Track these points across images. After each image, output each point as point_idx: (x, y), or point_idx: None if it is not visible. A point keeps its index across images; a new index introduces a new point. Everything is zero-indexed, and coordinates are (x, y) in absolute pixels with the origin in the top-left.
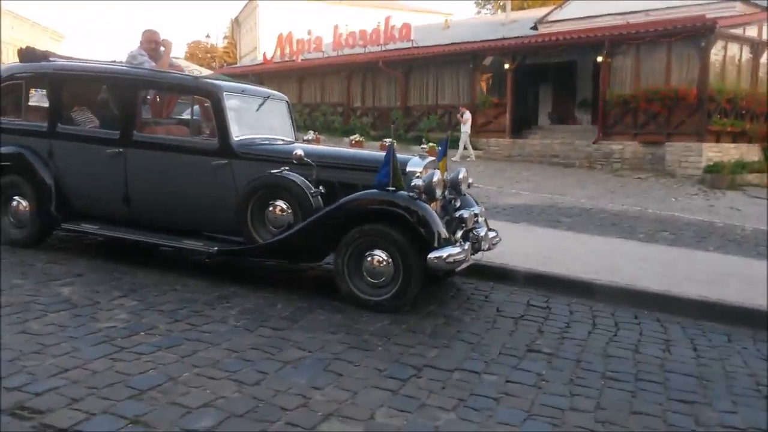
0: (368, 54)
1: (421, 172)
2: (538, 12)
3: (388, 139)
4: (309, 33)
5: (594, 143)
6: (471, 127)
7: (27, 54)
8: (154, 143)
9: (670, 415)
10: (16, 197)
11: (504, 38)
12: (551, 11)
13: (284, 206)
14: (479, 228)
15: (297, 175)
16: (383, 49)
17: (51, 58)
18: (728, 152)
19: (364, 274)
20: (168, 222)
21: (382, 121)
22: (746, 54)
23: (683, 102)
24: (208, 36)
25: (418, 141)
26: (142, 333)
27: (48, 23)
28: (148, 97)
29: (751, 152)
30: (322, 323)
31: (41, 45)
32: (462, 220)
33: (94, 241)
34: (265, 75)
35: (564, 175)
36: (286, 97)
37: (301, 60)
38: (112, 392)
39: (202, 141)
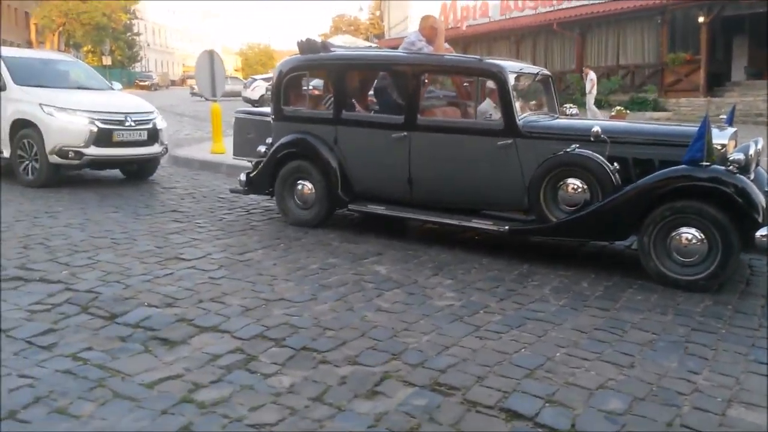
0: (540, 15)
1: (726, 145)
2: None
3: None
4: None
5: None
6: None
7: (307, 46)
8: (439, 126)
9: None
10: (300, 181)
11: None
12: None
13: (579, 184)
14: None
15: (592, 152)
16: (556, 9)
17: (331, 49)
18: None
19: (673, 252)
20: (449, 202)
21: (556, 85)
22: None
23: None
24: (360, 9)
25: (598, 105)
26: (481, 312)
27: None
28: (426, 81)
29: None
30: (643, 303)
31: (199, 26)
32: None
33: (356, 219)
34: None
35: None
36: (549, 73)
37: (467, 27)
38: (505, 370)
39: (487, 122)
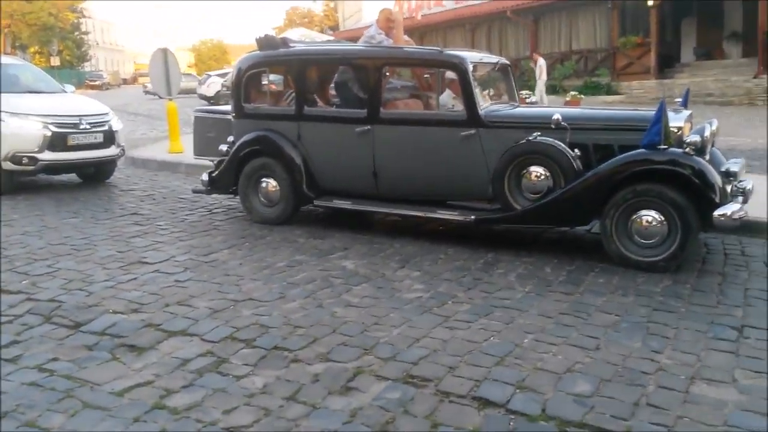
0: (493, 3)
1: (682, 128)
2: None
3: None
4: None
5: (755, 78)
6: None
7: (266, 42)
8: (402, 118)
9: None
10: (264, 179)
11: None
12: None
13: (542, 172)
14: (746, 182)
15: (554, 140)
16: None
17: (290, 44)
18: None
19: (634, 235)
20: (415, 193)
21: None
22: None
23: None
24: (315, 1)
25: (552, 90)
26: (449, 302)
27: None
28: (387, 74)
29: None
30: (605, 286)
31: (150, 22)
32: (730, 174)
33: (321, 214)
34: None
35: (725, 114)
36: (509, 62)
37: (422, 16)
38: (476, 359)
39: (450, 113)
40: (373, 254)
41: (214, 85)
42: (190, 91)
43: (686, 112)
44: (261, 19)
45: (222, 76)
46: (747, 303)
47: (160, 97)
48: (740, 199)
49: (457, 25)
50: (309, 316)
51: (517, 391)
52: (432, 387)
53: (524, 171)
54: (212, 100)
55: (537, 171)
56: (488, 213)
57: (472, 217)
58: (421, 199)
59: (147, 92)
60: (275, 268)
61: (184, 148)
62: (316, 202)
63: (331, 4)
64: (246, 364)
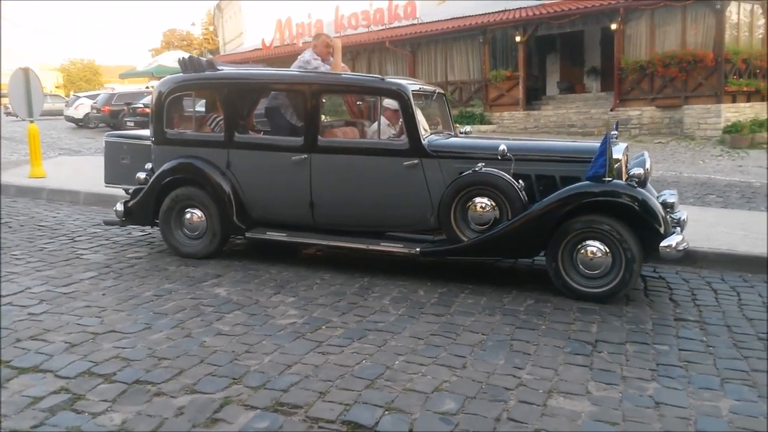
0: (373, 33)
1: (620, 160)
2: None
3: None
4: (309, 16)
5: (611, 110)
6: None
7: (191, 64)
8: (342, 147)
9: None
10: (188, 209)
11: (519, 8)
12: None
13: (488, 203)
14: (681, 213)
15: (500, 171)
16: (387, 27)
17: (218, 67)
18: (744, 112)
19: (579, 266)
20: (353, 224)
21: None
22: (759, 12)
23: (700, 65)
24: (193, 24)
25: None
26: (324, 327)
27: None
28: (324, 100)
29: (764, 111)
30: (473, 306)
31: (12, 40)
32: (667, 206)
33: None
34: (265, 61)
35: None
36: (443, 91)
37: (303, 44)
38: (347, 383)
39: (392, 142)
40: (247, 281)
41: (83, 106)
42: (56, 113)
43: (623, 145)
44: (136, 41)
45: (92, 97)
46: (602, 320)
47: (22, 119)
48: (678, 229)
49: None
50: (176, 347)
51: (386, 412)
52: (301, 414)
53: (470, 202)
54: (81, 122)
55: (483, 202)
56: (434, 245)
57: (418, 249)
58: (359, 230)
59: (8, 113)
60: (142, 297)
61: (47, 173)
62: (248, 234)
63: (211, 27)
64: (104, 400)
